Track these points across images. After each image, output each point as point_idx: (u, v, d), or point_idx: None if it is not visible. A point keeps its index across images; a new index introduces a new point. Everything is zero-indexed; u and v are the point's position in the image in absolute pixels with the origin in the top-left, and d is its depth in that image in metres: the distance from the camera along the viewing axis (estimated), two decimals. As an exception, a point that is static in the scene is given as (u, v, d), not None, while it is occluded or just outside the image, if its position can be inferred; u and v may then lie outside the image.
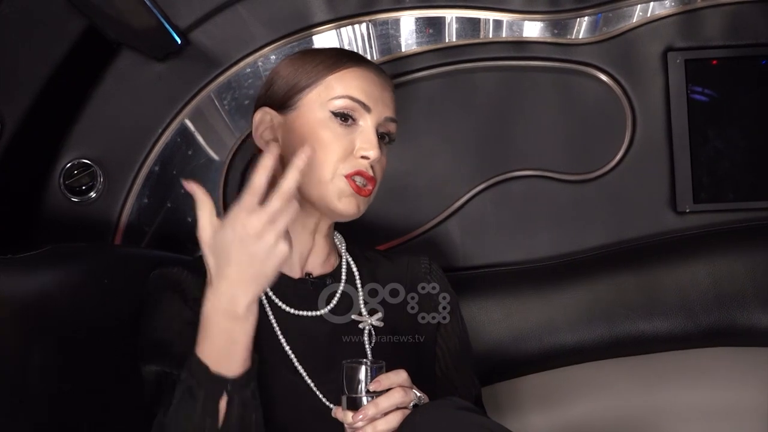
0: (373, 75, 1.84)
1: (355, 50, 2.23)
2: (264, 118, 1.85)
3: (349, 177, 1.78)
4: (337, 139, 1.78)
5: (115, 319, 1.79)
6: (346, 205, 1.79)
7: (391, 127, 1.85)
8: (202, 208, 1.56)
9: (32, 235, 2.17)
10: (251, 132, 2.19)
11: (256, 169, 1.55)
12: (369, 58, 2.26)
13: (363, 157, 1.79)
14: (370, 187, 1.80)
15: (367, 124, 1.80)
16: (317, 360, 1.77)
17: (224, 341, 1.55)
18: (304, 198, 1.80)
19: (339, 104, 1.80)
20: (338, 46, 2.22)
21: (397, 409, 1.58)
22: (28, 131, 2.04)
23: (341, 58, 1.84)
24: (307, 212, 1.82)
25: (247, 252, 1.52)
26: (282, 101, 1.83)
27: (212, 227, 1.56)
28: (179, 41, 2.17)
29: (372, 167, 1.80)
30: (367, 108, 1.81)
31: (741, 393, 2.23)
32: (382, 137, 1.83)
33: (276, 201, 1.53)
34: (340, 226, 1.93)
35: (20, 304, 1.61)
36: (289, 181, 1.54)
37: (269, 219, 1.52)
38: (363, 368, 1.59)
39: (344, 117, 1.80)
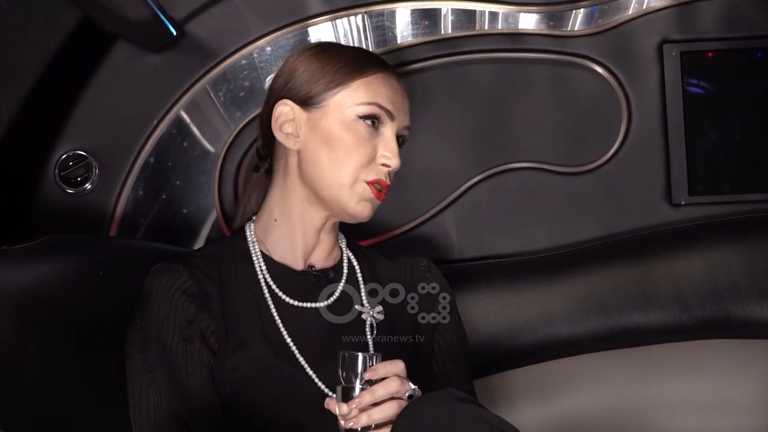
0: (396, 82, 1.85)
1: (351, 42, 2.23)
2: (284, 111, 1.84)
3: (371, 183, 1.80)
4: (361, 143, 1.79)
5: (111, 311, 1.79)
6: (363, 208, 1.81)
7: (406, 134, 1.88)
8: None
9: (27, 226, 2.17)
10: (246, 124, 2.20)
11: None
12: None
13: (384, 165, 1.80)
14: (384, 193, 1.83)
15: (389, 132, 1.82)
16: (317, 351, 1.78)
17: None
18: (317, 196, 1.81)
19: (366, 110, 1.80)
20: (344, 42, 2.22)
21: (393, 398, 1.58)
22: (23, 123, 2.04)
23: (368, 62, 1.84)
24: (316, 210, 1.83)
25: None
26: (306, 98, 1.83)
27: None
28: (175, 33, 2.16)
29: (392, 173, 1.83)
30: (391, 116, 1.82)
31: (735, 385, 2.23)
32: (398, 142, 1.85)
33: None
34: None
35: (15, 295, 1.60)
36: None
37: None
38: (360, 358, 1.59)
39: (373, 120, 1.81)
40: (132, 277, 1.82)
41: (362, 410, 1.57)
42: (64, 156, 2.17)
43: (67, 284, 1.73)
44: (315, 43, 2.00)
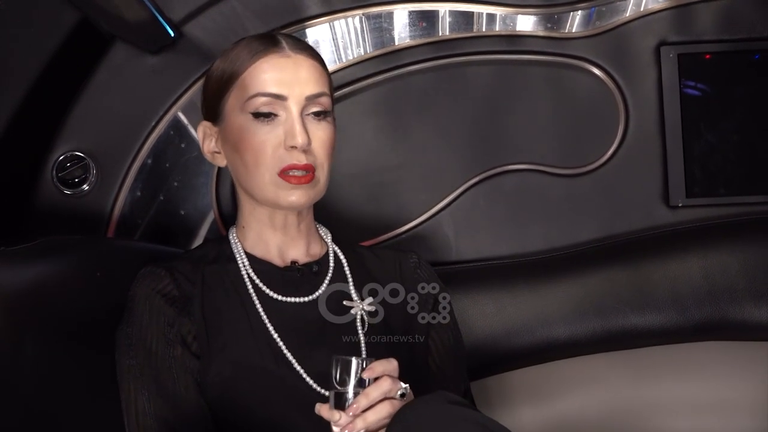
0: (282, 58, 1.79)
1: (348, 43, 2.23)
2: (205, 131, 1.85)
3: (283, 173, 1.76)
4: (263, 140, 1.76)
5: (108, 312, 1.79)
6: (289, 198, 1.77)
7: (321, 102, 1.80)
8: None
9: (25, 227, 2.17)
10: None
11: None
12: (362, 51, 2.26)
13: (292, 147, 1.76)
14: (310, 174, 1.77)
15: (286, 113, 1.77)
16: (304, 345, 1.77)
17: None
18: (255, 199, 1.81)
19: (254, 104, 1.77)
20: (341, 43, 2.22)
21: (385, 399, 1.58)
22: (21, 123, 2.04)
23: (249, 52, 1.80)
24: (262, 210, 1.82)
25: None
26: (210, 114, 1.83)
27: None
28: (173, 34, 2.16)
29: (307, 152, 1.77)
30: (281, 97, 1.77)
31: (732, 387, 2.23)
32: (317, 115, 1.79)
33: None
34: (329, 221, 1.93)
35: (13, 296, 1.60)
36: None
37: None
38: (354, 363, 1.59)
39: (265, 115, 1.77)
40: (129, 279, 1.81)
41: (356, 415, 1.57)
42: (61, 157, 2.17)
43: (64, 285, 1.73)
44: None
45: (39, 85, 2.04)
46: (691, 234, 2.29)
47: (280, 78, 1.77)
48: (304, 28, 2.22)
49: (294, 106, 1.77)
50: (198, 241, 2.23)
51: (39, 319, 1.63)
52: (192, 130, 2.22)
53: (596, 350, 2.25)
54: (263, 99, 1.77)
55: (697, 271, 2.24)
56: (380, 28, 2.26)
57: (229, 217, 2.23)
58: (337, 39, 2.23)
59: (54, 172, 2.17)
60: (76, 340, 1.70)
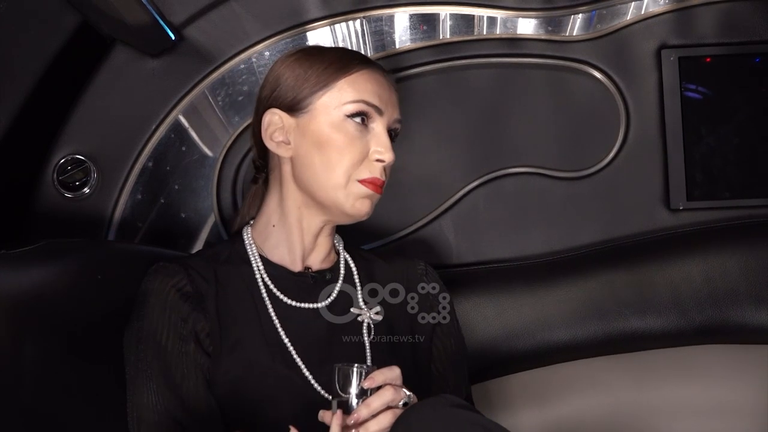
0: (381, 77, 1.85)
1: (349, 47, 2.23)
2: (273, 119, 1.84)
3: (364, 182, 1.80)
4: (352, 143, 1.79)
5: (109, 315, 1.79)
6: (362, 206, 1.81)
7: (398, 127, 1.87)
8: None
9: (26, 230, 2.17)
10: (244, 128, 2.20)
11: None
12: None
13: (378, 160, 1.80)
14: (381, 187, 1.82)
15: (380, 128, 1.82)
16: (315, 351, 1.78)
17: None
18: (313, 200, 1.81)
19: (353, 108, 1.80)
20: (342, 46, 2.22)
21: (388, 408, 1.58)
22: (22, 127, 2.03)
23: (351, 60, 1.84)
24: (314, 214, 1.83)
25: None
26: (292, 104, 1.83)
27: None
28: (173, 37, 2.16)
29: (386, 168, 1.83)
30: (379, 111, 1.82)
31: (733, 390, 2.23)
32: (390, 136, 1.84)
33: None
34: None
35: (13, 299, 1.60)
36: None
37: None
38: (355, 372, 1.59)
39: (363, 118, 1.81)
40: (130, 281, 1.82)
41: (358, 424, 1.57)
42: (62, 160, 2.17)
43: (65, 288, 1.73)
44: (298, 47, 1.99)
45: (40, 88, 2.04)
46: (692, 237, 2.29)
47: (379, 93, 1.83)
48: (305, 32, 2.22)
49: (385, 123, 1.83)
50: (199, 244, 2.23)
51: (39, 322, 1.63)
52: (193, 133, 2.22)
53: (597, 353, 2.26)
54: (364, 107, 1.81)
55: (698, 274, 2.24)
56: (381, 31, 2.26)
57: (230, 220, 2.22)
58: (338, 42, 2.23)
59: (55, 175, 2.17)
60: (76, 343, 1.70)
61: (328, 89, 1.81)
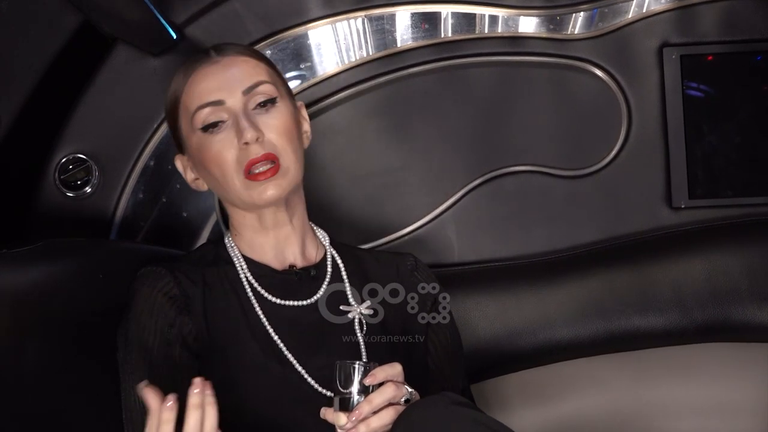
0: (210, 66, 1.81)
1: (350, 45, 2.24)
2: (182, 164, 1.88)
3: (246, 172, 1.76)
4: (218, 149, 1.77)
5: (110, 314, 1.79)
6: (264, 195, 1.77)
7: (263, 91, 1.80)
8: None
9: (27, 230, 2.17)
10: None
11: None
12: (365, 53, 2.26)
13: (245, 144, 1.76)
14: (272, 165, 1.77)
15: (231, 115, 1.78)
16: (305, 348, 1.78)
17: None
18: (238, 208, 1.82)
19: (198, 119, 1.79)
20: (343, 45, 2.21)
21: (390, 404, 1.58)
22: (23, 126, 2.04)
23: (182, 74, 1.83)
24: (253, 215, 1.83)
25: None
26: (179, 144, 1.87)
27: None
28: (174, 36, 2.17)
29: (263, 143, 1.77)
30: (219, 102, 1.78)
31: (735, 389, 2.23)
32: (263, 105, 1.79)
33: None
34: (330, 223, 1.93)
35: (15, 298, 1.61)
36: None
37: None
38: (356, 368, 1.59)
39: (212, 125, 1.78)
40: (131, 281, 1.81)
41: (361, 421, 1.57)
42: (64, 159, 2.18)
43: (66, 287, 1.74)
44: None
45: (41, 88, 2.04)
46: (694, 235, 2.29)
47: (212, 85, 1.79)
48: (307, 30, 2.22)
49: (235, 106, 1.78)
50: (201, 242, 2.23)
51: (41, 321, 1.63)
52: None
53: (599, 352, 2.25)
54: (205, 111, 1.78)
55: (700, 272, 2.24)
56: (382, 29, 2.26)
57: (232, 219, 2.23)
58: (340, 41, 2.24)
59: (56, 174, 2.17)
60: (78, 342, 1.71)
61: (179, 118, 1.83)
